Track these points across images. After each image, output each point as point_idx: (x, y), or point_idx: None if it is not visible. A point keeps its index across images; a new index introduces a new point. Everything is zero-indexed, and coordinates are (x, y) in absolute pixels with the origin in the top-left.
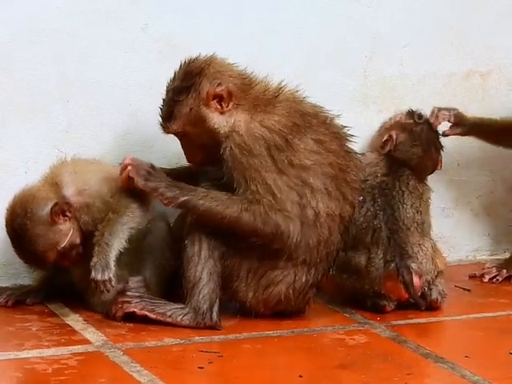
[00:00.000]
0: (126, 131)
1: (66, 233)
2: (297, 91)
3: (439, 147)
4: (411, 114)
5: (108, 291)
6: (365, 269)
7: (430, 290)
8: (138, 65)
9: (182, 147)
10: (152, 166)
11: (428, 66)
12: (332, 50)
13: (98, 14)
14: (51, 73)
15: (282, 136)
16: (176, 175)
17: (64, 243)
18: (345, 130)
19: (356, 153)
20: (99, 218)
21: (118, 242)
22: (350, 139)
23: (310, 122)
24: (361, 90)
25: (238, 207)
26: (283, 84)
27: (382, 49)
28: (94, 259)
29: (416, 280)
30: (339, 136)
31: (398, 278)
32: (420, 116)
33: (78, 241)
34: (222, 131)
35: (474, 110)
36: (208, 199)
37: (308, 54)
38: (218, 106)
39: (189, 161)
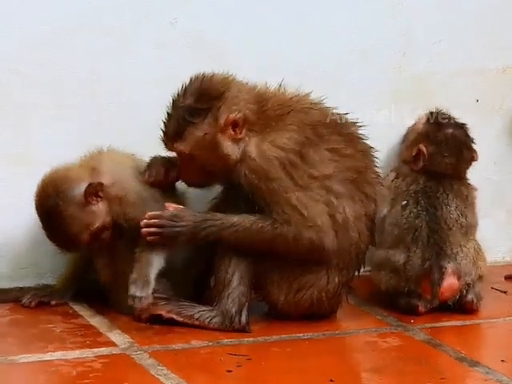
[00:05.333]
0: (156, 126)
1: (99, 214)
2: (304, 97)
3: (470, 145)
4: (430, 119)
5: (143, 309)
6: (402, 267)
7: (467, 291)
8: (167, 60)
9: (181, 166)
10: (173, 215)
11: (461, 61)
12: (365, 47)
13: (128, 10)
14: (81, 68)
15: (296, 152)
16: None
17: (97, 224)
18: (357, 127)
19: (371, 148)
20: (130, 212)
21: (158, 261)
22: (364, 137)
23: (322, 132)
24: (394, 88)
25: (269, 233)
26: (296, 94)
27: (416, 45)
28: (134, 275)
29: (453, 281)
30: (352, 137)
31: (430, 276)
32: (439, 120)
33: (109, 222)
34: (233, 157)
35: (506, 106)
36: (236, 228)
37: (340, 51)
38: (232, 133)
39: (183, 179)
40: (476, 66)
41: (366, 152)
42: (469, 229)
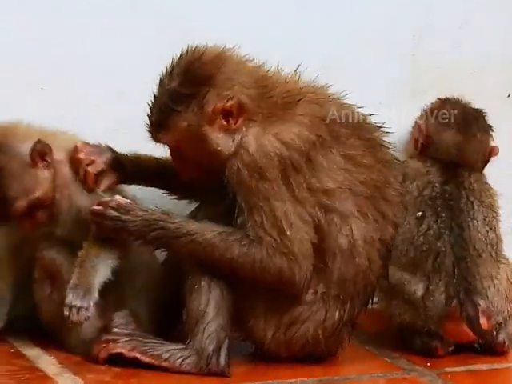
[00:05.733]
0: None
1: (42, 182)
2: (320, 88)
3: (485, 126)
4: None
5: (81, 323)
6: (421, 301)
7: (498, 332)
8: None
9: (172, 158)
10: (119, 204)
11: (491, 48)
12: (374, 30)
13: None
14: (103, 68)
15: (303, 153)
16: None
17: (37, 193)
18: (381, 133)
19: (396, 159)
20: (77, 199)
21: (104, 269)
22: (388, 145)
23: (338, 131)
24: (408, 78)
25: (233, 250)
26: (305, 76)
27: (435, 28)
28: (74, 280)
29: (483, 321)
30: (374, 144)
31: (460, 315)
32: (450, 100)
33: (50, 198)
34: (225, 151)
35: None
36: (193, 238)
37: (345, 34)
38: (224, 123)
39: (179, 173)
40: (508, 54)
41: (387, 163)
42: (499, 246)
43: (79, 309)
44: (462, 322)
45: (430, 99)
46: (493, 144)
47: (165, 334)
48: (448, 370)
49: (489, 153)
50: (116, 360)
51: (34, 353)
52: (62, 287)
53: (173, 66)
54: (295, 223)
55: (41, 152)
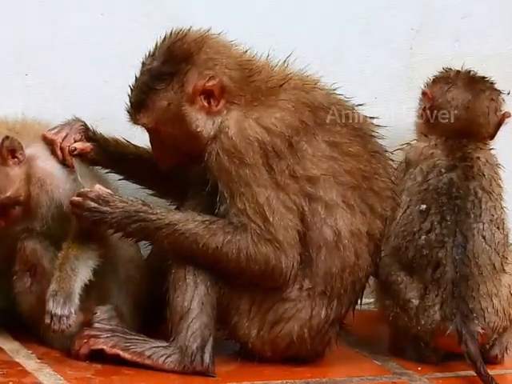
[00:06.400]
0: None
1: (14, 180)
2: (308, 76)
3: (492, 86)
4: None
5: (63, 331)
6: (415, 310)
7: (492, 345)
8: None
9: (150, 143)
10: (98, 195)
11: (492, 43)
12: (370, 21)
13: None
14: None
15: (285, 139)
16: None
17: (9, 192)
18: (371, 124)
19: (386, 151)
20: (53, 192)
21: (85, 271)
22: (377, 137)
23: (323, 118)
24: (405, 72)
25: (217, 238)
26: (295, 66)
27: (434, 20)
28: (54, 286)
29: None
30: (362, 134)
31: (459, 345)
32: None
33: (25, 195)
34: (205, 134)
35: None
36: (175, 228)
37: (341, 25)
38: (206, 104)
39: (157, 160)
40: (509, 50)
41: (377, 154)
42: (506, 246)
43: (60, 317)
44: (455, 339)
45: None
46: (505, 108)
47: (148, 330)
48: (439, 375)
49: (501, 116)
50: (97, 356)
51: (12, 346)
52: (42, 279)
53: (155, 48)
54: (279, 210)
55: (10, 149)
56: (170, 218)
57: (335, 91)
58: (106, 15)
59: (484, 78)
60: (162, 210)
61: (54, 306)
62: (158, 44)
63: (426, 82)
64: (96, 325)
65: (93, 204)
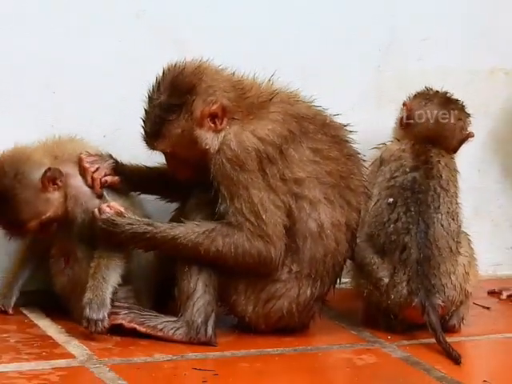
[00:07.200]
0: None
1: (53, 203)
2: (292, 91)
3: (462, 108)
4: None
5: (99, 332)
6: (386, 287)
7: (451, 316)
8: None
9: (167, 163)
10: (107, 220)
11: (449, 61)
12: (345, 43)
13: None
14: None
15: (277, 147)
16: (147, 175)
17: (48, 213)
18: (345, 131)
19: (358, 153)
20: (84, 207)
21: (114, 277)
22: (351, 141)
23: (307, 128)
24: (374, 88)
25: (217, 241)
26: (279, 83)
27: (399, 41)
28: (89, 295)
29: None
30: (339, 140)
31: (422, 315)
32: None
33: (61, 214)
34: (212, 150)
35: (496, 108)
36: (179, 241)
37: (316, 44)
38: (212, 125)
39: (175, 176)
40: (463, 67)
41: (352, 157)
42: (459, 234)
43: (96, 321)
44: (419, 311)
45: (394, 107)
46: (470, 129)
47: (160, 307)
48: (406, 342)
49: (466, 135)
50: (117, 330)
51: (45, 323)
52: (74, 265)
53: (158, 83)
54: (269, 208)
55: (50, 179)
56: (172, 233)
57: (314, 103)
58: (123, 41)
59: (457, 100)
60: (165, 227)
61: (89, 312)
62: (160, 78)
63: (409, 95)
64: (116, 303)
65: (104, 226)
